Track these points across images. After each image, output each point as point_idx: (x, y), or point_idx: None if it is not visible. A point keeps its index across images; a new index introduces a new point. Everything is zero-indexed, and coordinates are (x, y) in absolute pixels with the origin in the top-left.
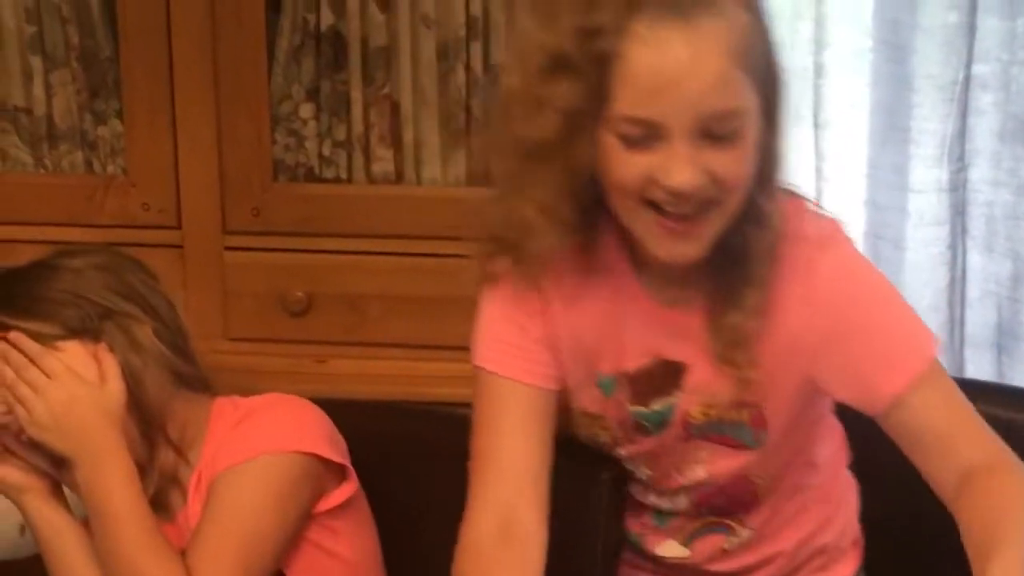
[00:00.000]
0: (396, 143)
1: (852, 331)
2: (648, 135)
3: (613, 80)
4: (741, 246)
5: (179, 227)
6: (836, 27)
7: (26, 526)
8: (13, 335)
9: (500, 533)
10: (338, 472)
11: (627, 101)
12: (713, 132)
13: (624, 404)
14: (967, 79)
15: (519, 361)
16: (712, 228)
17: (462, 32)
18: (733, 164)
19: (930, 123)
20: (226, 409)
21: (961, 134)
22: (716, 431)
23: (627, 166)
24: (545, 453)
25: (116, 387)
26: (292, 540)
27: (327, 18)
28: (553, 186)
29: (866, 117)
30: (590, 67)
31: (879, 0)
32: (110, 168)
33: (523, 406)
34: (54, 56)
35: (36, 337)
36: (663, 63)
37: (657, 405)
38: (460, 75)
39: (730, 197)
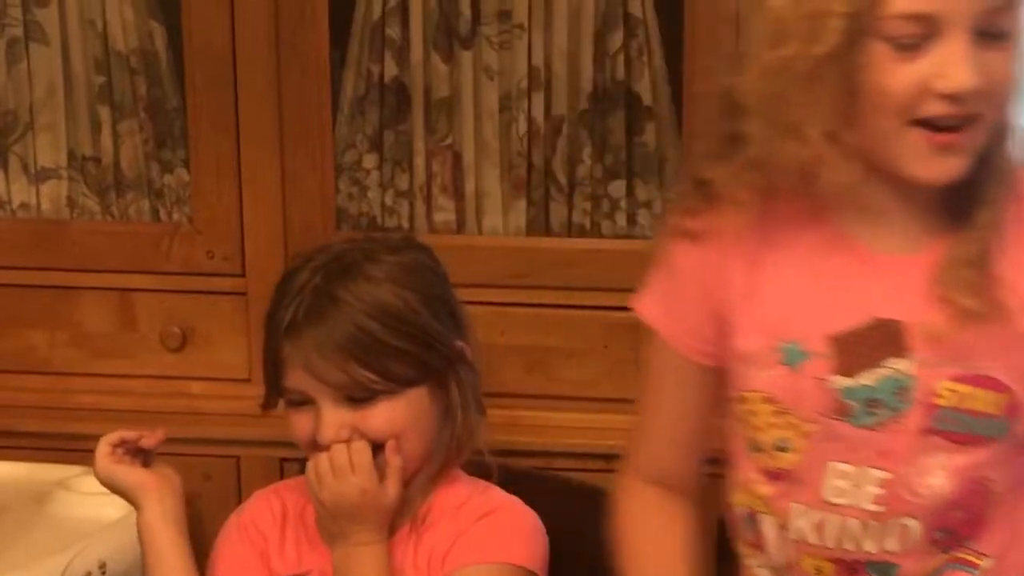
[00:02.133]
0: (458, 193)
1: None
2: (924, 35)
3: None
4: (976, 173)
5: (243, 275)
6: None
7: (106, 564)
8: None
9: (649, 476)
10: None
11: None
12: (991, 29)
13: (824, 379)
14: None
15: (679, 328)
16: (975, 143)
17: (524, 83)
18: (1005, 66)
19: None
20: (462, 480)
21: None
22: (962, 426)
23: (897, 76)
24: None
25: (395, 491)
26: None
27: (391, 69)
28: (835, 109)
29: None
30: None
31: None
32: (176, 216)
33: (680, 376)
34: (122, 106)
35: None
36: None
37: (868, 379)
38: (522, 125)
39: (993, 108)
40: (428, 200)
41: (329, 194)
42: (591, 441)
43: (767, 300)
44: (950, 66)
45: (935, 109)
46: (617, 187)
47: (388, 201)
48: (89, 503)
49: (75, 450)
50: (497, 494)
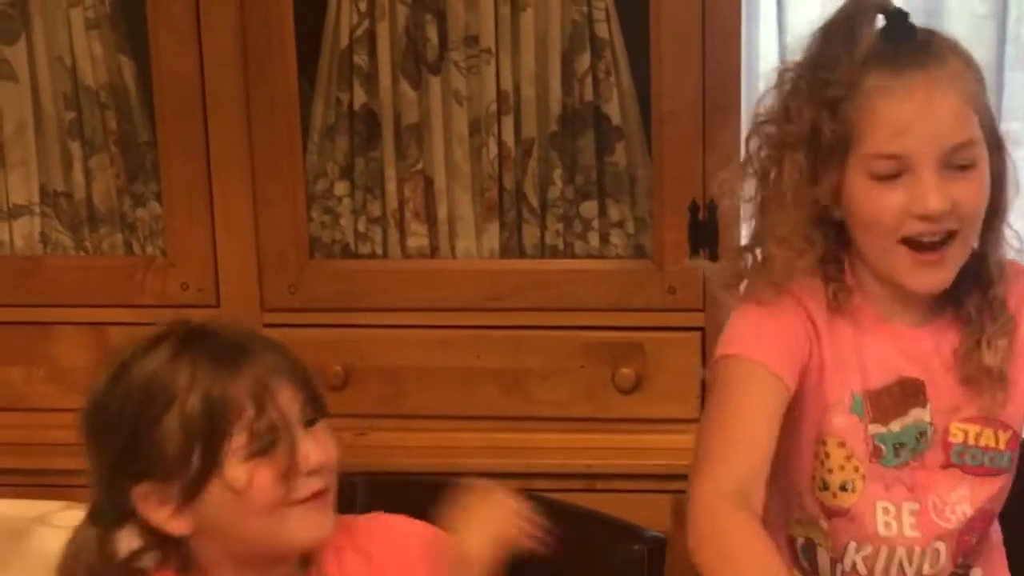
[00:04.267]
0: (430, 218)
1: None
2: (898, 170)
3: (861, 125)
4: (975, 270)
5: (218, 305)
6: None
7: None
8: None
9: (737, 498)
10: None
11: (877, 140)
12: (954, 163)
13: (866, 427)
14: None
15: (781, 356)
16: (956, 258)
17: (493, 107)
18: (973, 194)
19: None
20: None
21: None
22: (974, 459)
23: (880, 202)
24: (772, 450)
25: None
26: None
27: (360, 97)
28: (793, 226)
29: None
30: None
31: None
32: (149, 249)
33: (775, 398)
34: (93, 141)
35: None
36: (908, 107)
37: (896, 426)
38: (492, 149)
39: (969, 227)
40: (401, 226)
41: (301, 223)
42: (570, 461)
43: (838, 361)
44: (925, 192)
45: (915, 228)
46: (589, 207)
47: (361, 228)
48: (67, 539)
49: (53, 486)
50: (377, 516)
